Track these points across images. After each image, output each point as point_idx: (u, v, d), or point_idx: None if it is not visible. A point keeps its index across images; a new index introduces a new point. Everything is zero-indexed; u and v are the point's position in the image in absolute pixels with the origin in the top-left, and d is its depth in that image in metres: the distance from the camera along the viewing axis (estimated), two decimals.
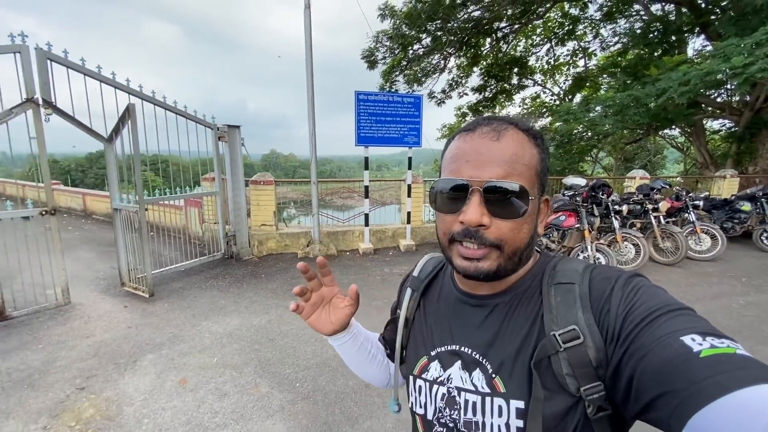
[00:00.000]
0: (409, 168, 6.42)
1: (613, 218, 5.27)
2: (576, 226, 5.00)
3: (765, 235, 6.39)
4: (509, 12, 10.92)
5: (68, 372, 2.83)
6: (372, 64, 11.45)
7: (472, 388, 0.58)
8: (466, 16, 10.51)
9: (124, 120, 3.89)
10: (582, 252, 4.88)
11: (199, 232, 6.75)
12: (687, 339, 0.42)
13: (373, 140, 5.96)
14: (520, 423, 0.53)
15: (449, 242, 0.58)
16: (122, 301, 4.17)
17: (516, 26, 12.17)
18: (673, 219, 6.15)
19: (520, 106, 18.09)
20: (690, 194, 6.31)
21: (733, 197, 6.91)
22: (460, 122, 17.38)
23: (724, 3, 8.71)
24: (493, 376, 0.57)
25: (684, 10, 9.82)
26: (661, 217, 5.73)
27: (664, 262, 5.57)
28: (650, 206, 5.68)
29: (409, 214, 6.47)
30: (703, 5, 9.37)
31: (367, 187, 6.11)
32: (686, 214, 6.05)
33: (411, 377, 0.68)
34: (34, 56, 3.48)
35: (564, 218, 5.12)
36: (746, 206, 6.48)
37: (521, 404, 0.53)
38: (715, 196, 7.64)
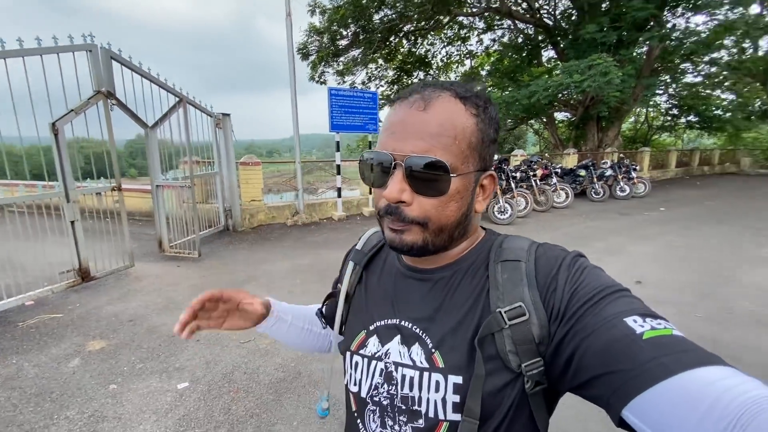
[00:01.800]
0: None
1: (511, 182, 7.83)
2: None
3: (594, 191, 9.89)
4: (416, 16, 13.06)
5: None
6: (305, 56, 12.51)
7: (410, 363, 0.56)
8: (384, 18, 12.28)
9: (172, 111, 4.67)
10: (496, 204, 7.28)
11: (173, 212, 7.27)
12: (630, 321, 0.43)
13: (342, 127, 7.39)
14: (457, 398, 0.52)
15: (379, 216, 0.57)
16: (172, 263, 4.97)
17: (419, 30, 14.47)
18: (544, 182, 9.13)
19: None
20: (552, 165, 9.41)
21: (575, 167, 10.34)
22: None
23: (567, 28, 12.29)
24: (433, 351, 0.55)
25: (540, 29, 13.37)
26: (538, 180, 8.59)
27: (540, 210, 8.42)
28: (531, 173, 8.49)
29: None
30: (552, 26, 12.95)
31: (338, 166, 7.55)
32: (551, 179, 9.08)
33: (348, 353, 0.65)
34: (100, 54, 4.08)
35: None
36: (582, 173, 9.91)
37: (459, 380, 0.52)
38: (564, 166, 11.10)
